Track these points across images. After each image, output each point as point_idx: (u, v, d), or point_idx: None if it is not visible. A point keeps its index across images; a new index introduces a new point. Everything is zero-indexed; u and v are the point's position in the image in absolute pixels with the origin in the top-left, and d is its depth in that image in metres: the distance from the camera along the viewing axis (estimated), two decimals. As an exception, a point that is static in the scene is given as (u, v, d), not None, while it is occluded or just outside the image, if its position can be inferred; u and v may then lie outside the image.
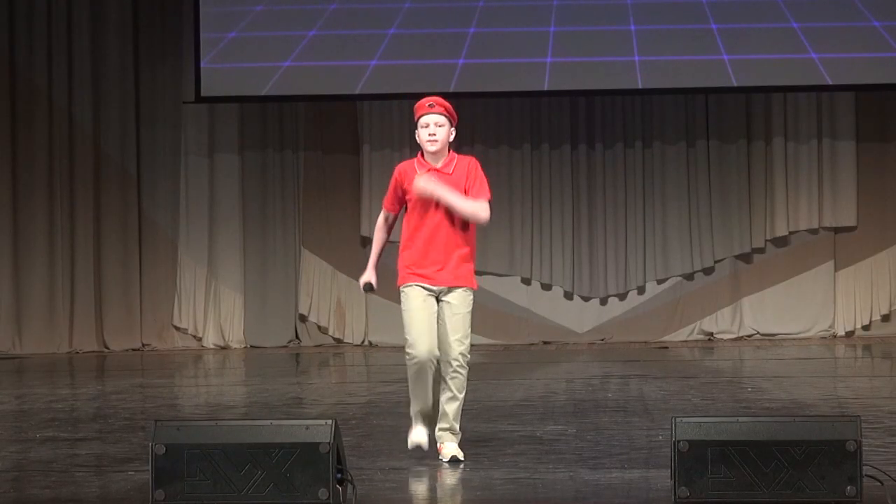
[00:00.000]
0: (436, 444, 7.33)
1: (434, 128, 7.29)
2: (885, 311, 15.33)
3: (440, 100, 7.35)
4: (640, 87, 14.48)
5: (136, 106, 15.47)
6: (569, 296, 15.44)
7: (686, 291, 15.40)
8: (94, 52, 15.35)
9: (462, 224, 7.29)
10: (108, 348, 15.38)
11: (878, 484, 6.03)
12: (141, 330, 15.49)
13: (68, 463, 7.46)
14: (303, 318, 15.55)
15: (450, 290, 7.30)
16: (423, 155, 7.34)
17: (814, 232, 15.36)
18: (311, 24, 14.55)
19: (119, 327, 15.42)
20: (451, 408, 7.30)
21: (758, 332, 15.32)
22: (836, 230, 15.35)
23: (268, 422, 5.96)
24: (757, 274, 15.38)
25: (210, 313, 15.52)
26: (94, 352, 15.26)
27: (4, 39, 15.32)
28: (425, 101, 7.36)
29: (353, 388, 12.12)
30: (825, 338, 15.25)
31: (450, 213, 7.25)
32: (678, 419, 5.87)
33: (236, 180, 15.52)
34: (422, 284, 7.29)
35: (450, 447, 7.29)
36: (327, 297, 15.50)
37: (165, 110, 15.48)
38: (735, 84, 14.42)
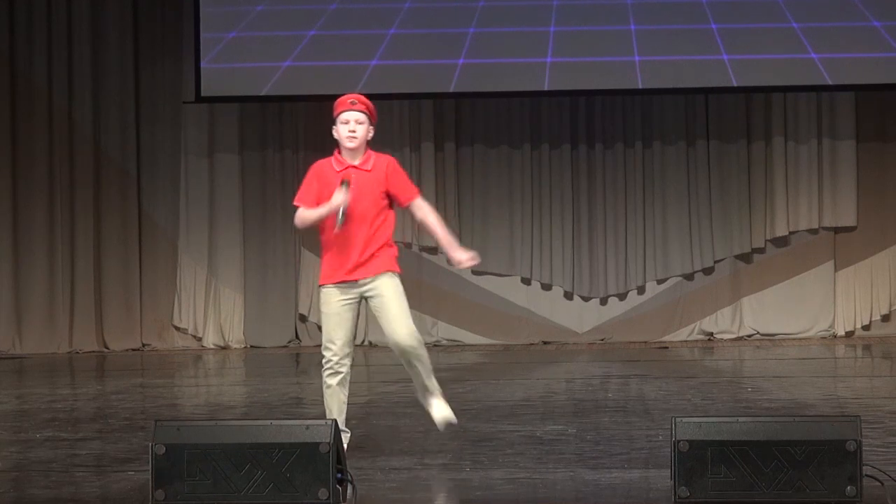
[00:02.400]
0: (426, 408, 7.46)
1: (354, 125, 7.41)
2: (885, 311, 15.32)
3: (362, 97, 7.46)
4: (640, 87, 14.48)
5: (136, 106, 15.47)
6: (569, 296, 15.43)
7: (686, 291, 15.39)
8: (94, 52, 15.35)
9: (380, 224, 7.31)
10: (108, 348, 15.38)
11: (878, 484, 6.03)
12: (141, 330, 15.49)
13: (68, 463, 7.46)
14: (303, 318, 15.55)
15: (374, 279, 7.29)
16: (340, 152, 7.42)
17: (814, 232, 15.35)
18: (311, 24, 14.55)
19: (119, 327, 15.42)
20: (419, 380, 7.34)
21: (758, 332, 15.32)
22: (836, 230, 15.35)
23: (268, 422, 5.97)
24: (757, 274, 15.38)
25: (210, 313, 15.52)
26: (94, 352, 15.26)
27: (4, 39, 15.32)
28: (347, 97, 7.46)
29: (353, 388, 12.04)
30: (825, 338, 15.25)
31: (367, 208, 7.30)
32: (678, 419, 5.87)
33: (236, 180, 15.52)
34: (342, 286, 7.28)
35: (438, 405, 7.38)
36: (327, 297, 15.48)
37: (165, 110, 15.48)
38: (735, 84, 14.42)
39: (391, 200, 7.45)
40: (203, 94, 14.71)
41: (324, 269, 7.42)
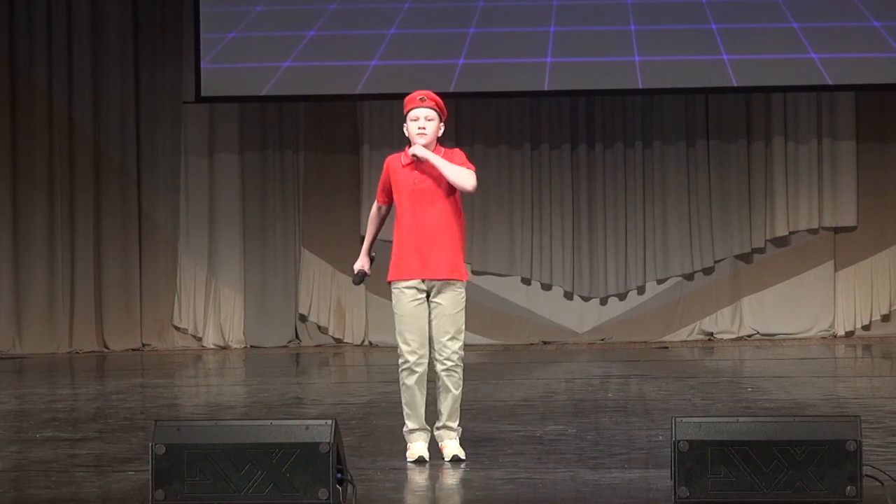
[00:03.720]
0: (436, 444, 7.34)
1: (424, 121, 7.35)
2: (885, 311, 15.33)
3: (431, 94, 7.40)
4: (640, 87, 14.48)
5: (136, 106, 15.47)
6: (569, 296, 15.44)
7: (686, 291, 15.40)
8: (94, 52, 15.36)
9: (452, 214, 7.31)
10: (108, 348, 15.38)
11: (878, 484, 6.03)
12: (141, 330, 15.50)
13: (68, 463, 7.46)
14: (303, 318, 15.55)
15: (442, 286, 7.29)
16: (410, 147, 7.40)
17: (814, 232, 15.36)
18: (311, 24, 14.56)
19: (119, 327, 15.43)
20: (448, 405, 7.30)
21: (758, 332, 15.32)
22: (836, 230, 15.35)
23: (268, 422, 5.96)
24: (757, 274, 15.38)
25: (210, 313, 15.52)
26: (94, 352, 15.26)
27: (4, 39, 15.32)
28: (416, 94, 7.41)
29: (353, 388, 12.11)
30: (825, 338, 15.25)
31: (438, 205, 7.26)
32: (678, 419, 5.87)
33: (236, 180, 15.52)
34: (412, 283, 7.28)
35: (451, 446, 7.29)
36: (327, 297, 15.50)
37: (165, 110, 15.49)
38: (735, 84, 14.42)
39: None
40: (203, 94, 14.71)
41: (393, 265, 7.40)
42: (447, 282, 7.33)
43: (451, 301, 7.32)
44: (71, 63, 15.34)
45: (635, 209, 15.35)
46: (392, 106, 15.32)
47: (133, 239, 15.49)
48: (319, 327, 15.54)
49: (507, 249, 15.42)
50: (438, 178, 7.29)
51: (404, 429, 7.35)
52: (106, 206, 15.44)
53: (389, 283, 7.42)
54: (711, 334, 15.33)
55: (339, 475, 5.87)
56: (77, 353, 15.22)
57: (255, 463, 5.81)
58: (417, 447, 7.28)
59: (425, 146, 7.34)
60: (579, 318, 15.41)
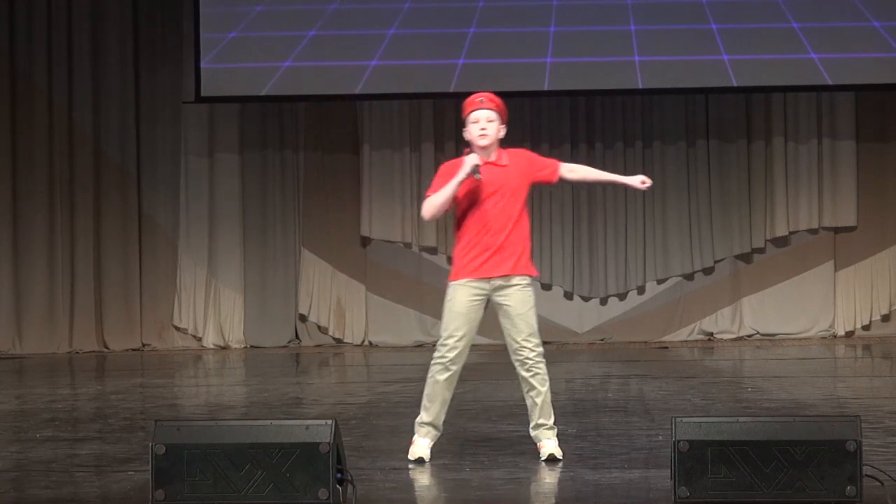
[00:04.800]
0: (535, 442, 7.31)
1: (485, 122, 7.34)
2: (885, 311, 15.33)
3: (491, 95, 7.40)
4: (640, 87, 14.47)
5: (136, 106, 15.47)
6: (569, 296, 15.44)
7: (686, 291, 15.40)
8: (94, 52, 15.35)
9: (518, 213, 7.26)
10: (108, 348, 15.38)
11: (878, 484, 6.03)
12: (141, 330, 15.50)
13: (68, 463, 7.46)
14: (303, 318, 15.55)
15: (509, 284, 7.23)
16: (472, 151, 7.36)
17: (814, 232, 15.36)
18: (311, 24, 14.56)
19: (119, 327, 15.42)
20: (539, 403, 7.25)
21: (758, 332, 15.32)
22: (836, 230, 15.35)
23: (268, 422, 5.97)
24: (757, 274, 15.38)
25: (210, 313, 15.52)
26: (94, 352, 15.26)
27: (4, 39, 15.32)
28: (476, 96, 7.40)
29: (353, 388, 12.11)
30: (825, 338, 15.25)
31: (505, 206, 7.22)
32: (678, 419, 5.87)
33: (236, 180, 15.52)
34: (474, 283, 7.22)
35: (549, 445, 7.25)
36: (327, 297, 15.50)
37: (165, 110, 15.49)
38: (735, 84, 14.41)
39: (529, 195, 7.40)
40: (203, 94, 14.71)
41: (456, 263, 7.31)
42: (514, 279, 7.22)
43: (521, 300, 7.24)
44: (71, 63, 15.34)
45: (635, 209, 15.35)
46: (392, 106, 15.35)
47: (133, 239, 15.49)
48: (319, 327, 15.54)
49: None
50: (506, 182, 7.25)
51: (417, 420, 7.31)
52: (106, 206, 15.43)
53: (450, 282, 7.30)
54: (711, 334, 15.33)
55: (339, 475, 5.87)
56: (77, 353, 15.22)
57: (255, 463, 5.81)
58: (422, 445, 7.26)
59: (487, 148, 7.31)
60: (579, 318, 15.41)
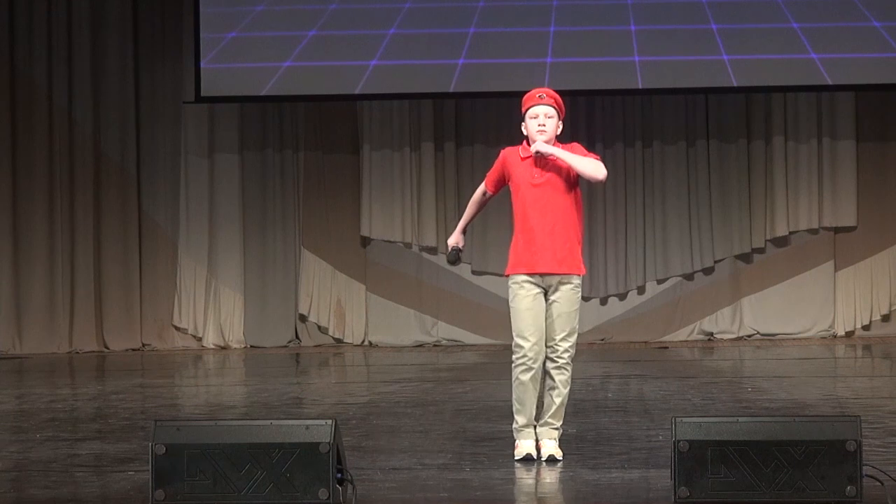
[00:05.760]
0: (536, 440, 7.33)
1: (544, 119, 7.36)
2: (885, 311, 15.33)
3: (550, 91, 7.42)
4: (640, 87, 14.48)
5: (136, 106, 15.47)
6: (569, 296, 15.41)
7: (686, 291, 15.40)
8: (94, 52, 15.36)
9: (572, 208, 7.27)
10: (108, 348, 15.38)
11: (878, 484, 6.03)
12: (141, 330, 15.50)
13: (68, 463, 7.46)
14: (303, 318, 15.55)
15: (559, 282, 7.26)
16: (529, 145, 7.37)
17: (814, 232, 15.36)
18: (311, 24, 14.55)
19: (119, 327, 15.43)
20: (555, 403, 7.27)
21: (758, 332, 15.32)
22: (836, 230, 15.35)
23: (268, 422, 5.96)
24: (757, 274, 15.38)
25: (210, 313, 15.52)
26: (94, 352, 15.26)
27: (4, 39, 15.32)
28: (535, 91, 7.44)
29: (353, 388, 12.11)
30: (825, 338, 15.25)
31: (558, 200, 7.24)
32: (678, 419, 5.87)
33: (236, 180, 15.52)
34: (530, 277, 7.25)
35: (548, 445, 7.27)
36: (327, 298, 15.50)
37: (165, 110, 15.49)
38: (735, 84, 14.42)
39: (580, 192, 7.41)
40: (203, 94, 14.71)
41: (512, 258, 7.38)
42: (564, 277, 7.29)
43: (568, 299, 7.31)
44: (71, 63, 15.34)
45: (635, 209, 15.35)
46: (392, 106, 15.34)
47: (133, 239, 15.49)
48: (319, 327, 15.54)
49: (508, 249, 15.38)
50: (558, 173, 7.28)
51: (514, 425, 7.32)
52: (106, 206, 15.43)
53: (507, 276, 7.37)
54: (711, 334, 15.33)
55: (339, 475, 5.87)
56: (77, 353, 15.22)
57: (255, 463, 5.81)
58: (526, 445, 7.27)
59: (546, 143, 7.33)
60: (579, 317, 15.38)
